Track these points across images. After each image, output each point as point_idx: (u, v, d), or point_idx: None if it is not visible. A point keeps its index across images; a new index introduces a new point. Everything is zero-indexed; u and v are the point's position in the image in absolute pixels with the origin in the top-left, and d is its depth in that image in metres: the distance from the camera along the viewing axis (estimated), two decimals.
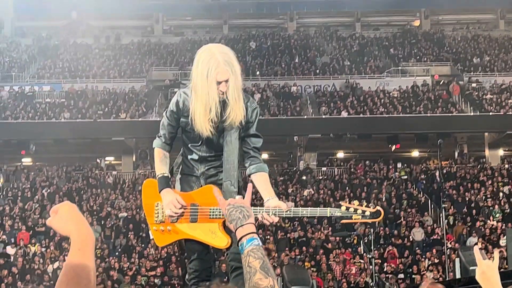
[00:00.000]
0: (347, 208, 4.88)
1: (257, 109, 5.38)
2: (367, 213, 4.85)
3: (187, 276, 5.50)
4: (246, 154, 5.36)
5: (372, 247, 26.92)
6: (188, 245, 5.35)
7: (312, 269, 25.70)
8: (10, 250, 28.55)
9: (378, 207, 4.92)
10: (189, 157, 5.39)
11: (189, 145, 5.38)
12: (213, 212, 5.04)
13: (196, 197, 5.19)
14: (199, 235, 5.14)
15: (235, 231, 3.15)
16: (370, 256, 26.38)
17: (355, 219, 4.91)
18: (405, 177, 36.01)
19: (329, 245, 28.28)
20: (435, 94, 41.57)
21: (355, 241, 28.66)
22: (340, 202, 4.97)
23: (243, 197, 3.47)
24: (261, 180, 5.26)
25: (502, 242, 27.21)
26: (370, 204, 4.94)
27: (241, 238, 3.09)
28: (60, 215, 2.72)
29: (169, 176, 5.40)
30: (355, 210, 4.86)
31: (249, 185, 3.63)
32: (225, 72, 5.04)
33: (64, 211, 2.72)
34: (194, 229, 5.16)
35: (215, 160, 5.31)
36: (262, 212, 4.90)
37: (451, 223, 30.45)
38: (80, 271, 2.55)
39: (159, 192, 5.25)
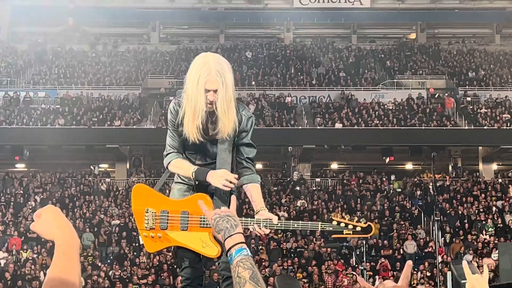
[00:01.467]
0: (338, 223, 4.89)
1: (252, 118, 5.37)
2: (358, 229, 4.88)
3: (179, 284, 5.50)
4: (239, 165, 5.35)
5: (364, 259, 27.01)
6: (179, 252, 5.33)
7: (304, 280, 25.67)
8: (2, 255, 28.44)
9: (369, 223, 4.94)
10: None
11: (186, 153, 5.37)
12: (204, 220, 5.02)
13: (187, 205, 5.16)
14: (190, 244, 5.12)
15: (224, 241, 3.13)
16: (362, 268, 26.48)
17: (346, 233, 4.93)
18: (399, 189, 36.04)
19: (322, 257, 28.26)
20: (430, 107, 41.63)
21: (346, 252, 28.73)
22: (331, 217, 4.98)
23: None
24: (253, 191, 5.25)
25: (494, 256, 27.22)
26: (361, 219, 4.95)
27: (230, 249, 3.07)
28: (43, 219, 2.69)
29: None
30: (346, 225, 4.88)
31: (233, 198, 3.60)
32: (214, 82, 5.02)
33: (47, 215, 2.70)
34: (184, 237, 5.13)
35: (211, 169, 5.28)
36: (253, 223, 4.90)
37: (448, 240, 30.32)
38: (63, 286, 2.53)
39: (205, 176, 5.11)
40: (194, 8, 53.04)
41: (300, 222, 5.20)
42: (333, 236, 5.09)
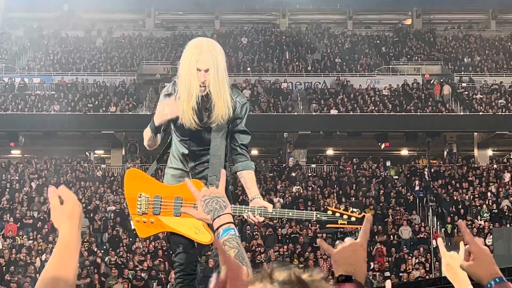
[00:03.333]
0: (334, 213, 4.90)
1: (247, 105, 5.38)
2: (353, 219, 4.89)
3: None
4: (233, 151, 5.36)
5: None
6: (173, 238, 5.34)
7: (299, 265, 25.71)
8: None
9: (364, 213, 4.94)
10: (180, 152, 5.38)
11: (179, 140, 5.37)
12: (197, 207, 5.01)
13: (181, 191, 5.16)
14: (183, 229, 5.11)
15: (212, 221, 3.15)
16: None
17: (340, 223, 4.95)
18: (396, 177, 36.10)
19: (316, 242, 28.31)
20: (426, 93, 41.63)
21: (342, 237, 28.74)
22: (327, 207, 5.02)
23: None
24: (247, 178, 5.27)
25: (488, 241, 27.30)
26: (355, 210, 4.96)
27: (217, 228, 3.10)
28: (63, 208, 2.70)
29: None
30: (341, 215, 4.89)
31: (222, 172, 3.60)
32: (205, 61, 5.05)
33: (69, 206, 2.71)
34: (177, 223, 5.13)
35: (204, 155, 5.30)
36: (248, 211, 4.90)
37: (449, 231, 30.08)
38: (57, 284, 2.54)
39: (156, 116, 5.25)
40: None
41: (295, 211, 5.24)
42: (328, 225, 5.12)
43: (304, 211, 5.25)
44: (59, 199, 2.71)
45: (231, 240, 3.02)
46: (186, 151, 5.35)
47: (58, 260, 2.60)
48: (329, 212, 4.91)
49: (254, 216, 4.89)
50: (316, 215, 5.03)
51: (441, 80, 43.04)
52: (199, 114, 5.18)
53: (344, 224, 4.95)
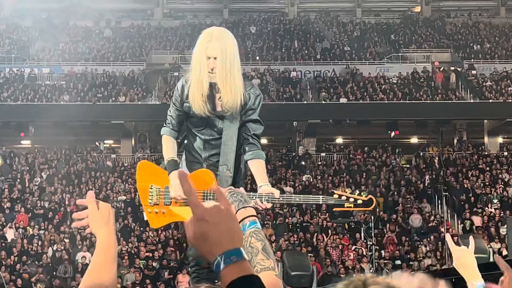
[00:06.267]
0: (340, 196, 4.88)
1: (260, 96, 5.41)
2: (359, 202, 4.86)
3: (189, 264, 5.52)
4: (245, 140, 5.36)
5: (373, 234, 27.08)
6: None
7: (309, 254, 25.76)
8: (9, 232, 28.58)
9: (371, 196, 4.93)
10: (194, 143, 5.41)
11: (193, 130, 5.41)
12: (207, 195, 5.01)
13: (192, 180, 5.16)
14: None
15: (236, 212, 3.19)
16: (371, 243, 26.55)
17: (347, 207, 4.92)
18: (407, 166, 36.05)
19: (328, 231, 28.35)
20: (435, 80, 41.51)
21: (353, 226, 28.83)
22: (333, 190, 4.98)
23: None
24: (257, 167, 5.26)
25: (503, 231, 27.26)
26: (362, 193, 4.94)
27: (243, 219, 3.13)
28: (101, 214, 2.72)
29: (178, 160, 5.45)
30: (348, 198, 4.87)
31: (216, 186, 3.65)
32: (214, 48, 5.07)
33: (105, 212, 2.73)
34: (188, 212, 5.12)
35: (218, 146, 5.32)
36: (255, 198, 4.88)
37: (468, 228, 29.32)
38: None
39: (168, 175, 5.26)
40: None
41: (302, 196, 5.21)
42: (335, 209, 5.12)
43: (311, 196, 5.23)
44: (96, 205, 2.74)
45: (258, 233, 3.07)
46: (200, 141, 5.39)
47: (98, 266, 2.62)
48: (336, 196, 4.89)
49: (262, 203, 4.88)
50: (322, 199, 5.00)
51: (451, 67, 42.90)
52: (209, 101, 5.20)
53: (350, 207, 4.93)
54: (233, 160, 5.27)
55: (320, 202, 5.07)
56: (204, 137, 5.36)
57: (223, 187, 4.89)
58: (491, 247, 25.21)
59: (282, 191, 32.12)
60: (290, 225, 29.11)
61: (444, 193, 29.81)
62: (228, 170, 5.26)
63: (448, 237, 4.05)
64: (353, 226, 29.02)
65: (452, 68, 42.75)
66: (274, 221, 29.27)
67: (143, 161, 5.51)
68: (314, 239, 27.69)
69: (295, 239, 27.60)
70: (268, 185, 5.11)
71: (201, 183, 5.08)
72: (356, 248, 27.02)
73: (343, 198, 4.89)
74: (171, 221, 5.36)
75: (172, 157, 5.37)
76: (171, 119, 5.49)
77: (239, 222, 3.13)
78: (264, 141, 39.02)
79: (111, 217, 2.73)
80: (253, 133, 5.37)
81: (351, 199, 4.87)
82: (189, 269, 5.55)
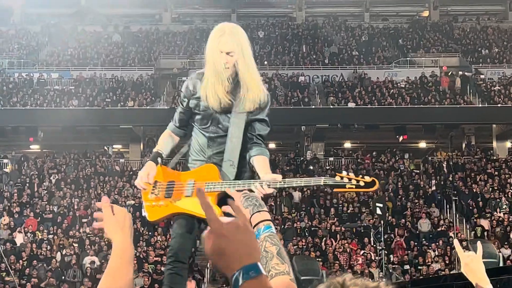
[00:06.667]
0: (342, 178, 4.78)
1: (268, 96, 5.33)
2: (361, 183, 4.73)
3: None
4: (249, 140, 5.28)
5: (382, 239, 27.05)
6: (176, 221, 5.28)
7: (318, 259, 25.77)
8: (18, 236, 28.68)
9: (374, 178, 4.82)
10: (198, 141, 5.37)
11: (198, 127, 5.36)
12: (209, 186, 4.96)
13: (195, 175, 5.18)
14: (191, 208, 5.04)
15: (251, 216, 3.20)
16: (380, 248, 26.51)
17: (348, 187, 4.77)
18: (417, 171, 35.98)
19: (337, 236, 28.35)
20: (441, 85, 41.46)
21: (362, 231, 28.81)
22: (335, 173, 4.89)
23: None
24: (261, 162, 5.14)
25: None
26: (365, 176, 4.84)
27: (258, 223, 3.15)
28: (117, 218, 2.74)
29: (163, 155, 5.42)
30: (350, 179, 4.77)
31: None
32: (227, 43, 5.03)
33: (121, 217, 2.75)
34: (187, 203, 5.09)
35: (223, 143, 5.27)
36: (256, 183, 4.75)
37: (479, 235, 29.03)
38: None
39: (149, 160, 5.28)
40: None
41: (303, 179, 5.06)
42: (335, 189, 4.96)
43: (312, 178, 5.08)
44: (111, 209, 2.76)
45: (272, 237, 3.08)
46: (205, 139, 5.33)
47: (114, 270, 2.64)
48: (337, 178, 4.77)
49: (262, 188, 4.70)
50: (324, 181, 4.84)
51: (459, 72, 42.84)
52: (231, 96, 5.16)
53: (352, 187, 4.77)
54: (237, 157, 5.20)
55: (322, 183, 4.88)
56: (208, 135, 5.31)
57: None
58: (500, 252, 25.14)
59: (291, 196, 32.18)
60: (299, 230, 29.12)
61: (454, 198, 29.74)
62: (232, 166, 5.19)
63: (456, 242, 4.06)
64: (362, 231, 29.01)
65: (461, 72, 42.68)
66: (283, 226, 29.30)
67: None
68: (323, 244, 27.68)
69: (304, 243, 27.60)
70: (270, 172, 4.98)
71: (206, 176, 5.08)
72: (364, 252, 27.00)
73: (345, 180, 4.77)
74: (169, 213, 5.24)
75: (158, 150, 5.40)
76: (176, 115, 5.50)
77: (254, 227, 3.15)
78: (272, 145, 39.10)
79: (127, 221, 2.75)
80: (258, 133, 5.30)
81: (353, 180, 4.76)
82: (166, 259, 5.46)
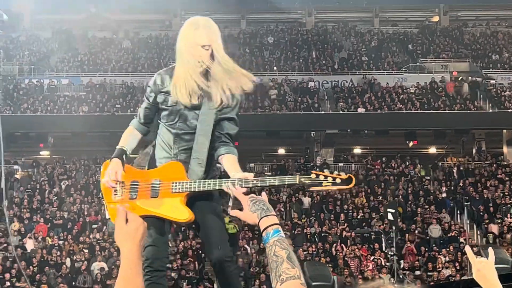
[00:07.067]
0: (317, 176, 4.64)
1: (242, 95, 5.18)
2: (338, 180, 4.58)
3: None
4: (217, 139, 5.14)
5: (394, 244, 26.97)
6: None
7: (328, 264, 25.73)
8: (29, 242, 28.73)
9: (350, 175, 4.68)
10: (165, 138, 5.24)
11: (165, 124, 5.24)
12: (176, 186, 4.86)
13: (160, 173, 5.04)
14: (158, 210, 4.92)
15: (259, 220, 3.20)
16: (392, 254, 26.43)
17: (325, 185, 4.62)
18: (428, 177, 35.89)
19: (347, 242, 28.31)
20: (454, 90, 41.39)
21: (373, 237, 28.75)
22: (310, 171, 4.76)
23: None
24: (230, 161, 5.01)
25: None
26: (341, 172, 4.69)
27: (267, 228, 3.15)
28: (128, 228, 2.73)
29: (127, 152, 5.31)
30: (326, 177, 4.61)
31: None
32: (203, 36, 4.93)
33: (133, 227, 2.74)
34: (153, 205, 4.95)
35: (190, 140, 5.14)
36: (228, 182, 4.61)
37: (491, 241, 28.88)
38: None
39: (110, 160, 5.15)
40: None
41: (277, 177, 4.77)
42: (311, 188, 4.81)
43: (287, 176, 4.82)
44: (125, 218, 2.75)
45: (282, 241, 3.08)
46: (171, 135, 5.21)
47: (124, 280, 2.63)
48: (313, 176, 4.62)
49: (234, 187, 4.54)
50: (299, 179, 4.65)
51: (469, 77, 42.78)
52: (203, 92, 5.03)
53: (328, 186, 4.62)
54: (206, 155, 5.08)
55: (297, 182, 4.69)
56: (175, 131, 5.18)
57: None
58: None
59: (301, 202, 32.15)
60: (309, 235, 29.08)
61: (465, 203, 29.64)
62: (200, 164, 5.08)
63: (467, 248, 4.04)
64: (373, 237, 28.96)
65: (470, 77, 42.60)
66: (293, 231, 29.28)
67: (108, 161, 5.28)
68: (333, 250, 27.64)
69: (314, 249, 27.56)
70: (240, 171, 4.81)
71: (171, 175, 4.96)
72: (374, 258, 26.94)
73: (321, 177, 4.60)
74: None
75: (122, 146, 5.29)
76: (140, 111, 5.38)
77: (262, 231, 3.15)
78: (281, 150, 39.11)
79: (139, 231, 2.73)
80: (227, 132, 5.16)
81: (329, 178, 4.59)
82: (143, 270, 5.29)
